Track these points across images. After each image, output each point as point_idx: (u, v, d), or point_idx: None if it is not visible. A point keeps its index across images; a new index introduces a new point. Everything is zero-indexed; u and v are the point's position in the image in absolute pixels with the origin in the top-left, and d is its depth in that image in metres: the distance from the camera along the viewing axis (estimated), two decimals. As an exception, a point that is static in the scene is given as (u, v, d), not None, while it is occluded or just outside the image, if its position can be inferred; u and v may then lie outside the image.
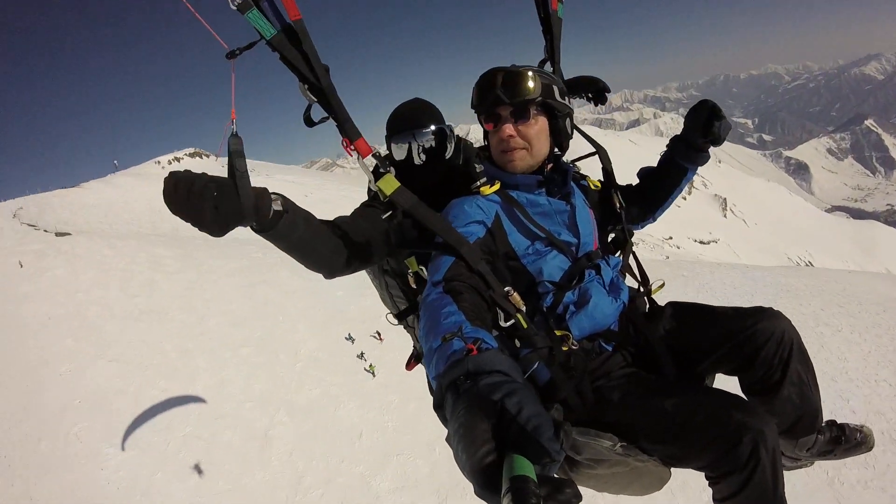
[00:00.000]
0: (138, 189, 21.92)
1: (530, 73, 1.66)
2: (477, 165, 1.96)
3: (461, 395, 0.93)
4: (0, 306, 8.94)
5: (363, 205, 1.97)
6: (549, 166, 1.80)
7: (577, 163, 2.20)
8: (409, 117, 2.13)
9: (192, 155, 41.36)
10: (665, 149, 2.09)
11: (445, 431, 0.93)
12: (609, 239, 2.07)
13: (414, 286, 2.09)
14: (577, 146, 1.98)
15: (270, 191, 1.42)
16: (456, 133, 2.24)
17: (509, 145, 1.70)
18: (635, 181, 2.23)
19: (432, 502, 5.42)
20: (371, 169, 1.63)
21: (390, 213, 1.67)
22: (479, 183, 1.78)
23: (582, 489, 1.47)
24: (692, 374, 1.73)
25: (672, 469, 1.59)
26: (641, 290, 1.92)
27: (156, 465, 5.76)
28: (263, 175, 33.14)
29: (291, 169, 46.14)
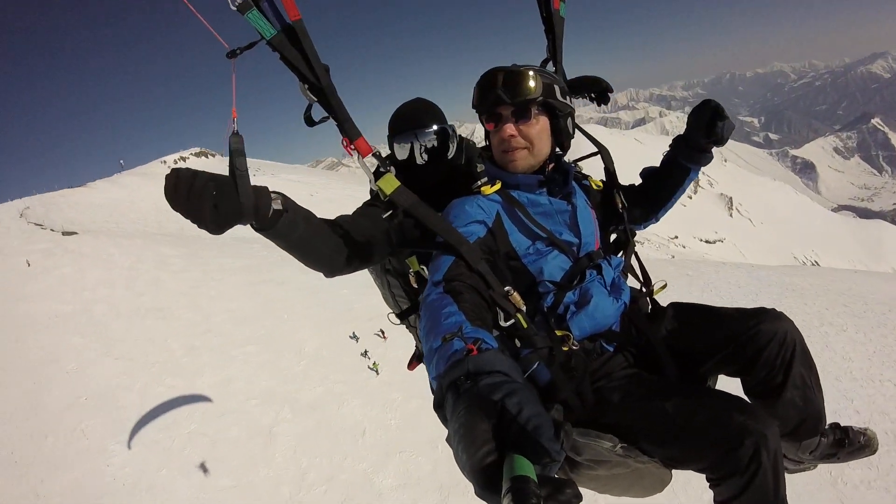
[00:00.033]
0: (144, 188, 21.99)
1: (531, 73, 1.68)
2: (478, 165, 1.96)
3: (461, 396, 0.94)
4: (7, 304, 9.01)
5: (365, 204, 2.00)
6: (551, 166, 1.81)
7: (579, 163, 2.22)
8: (412, 117, 2.16)
9: (197, 154, 41.48)
10: (668, 149, 2.07)
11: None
12: (611, 239, 2.07)
13: (415, 286, 2.11)
14: (580, 146, 1.99)
15: (271, 189, 1.45)
16: (458, 133, 2.27)
17: (510, 145, 1.72)
18: (639, 181, 2.23)
19: (434, 499, 5.41)
20: (371, 168, 1.66)
21: (391, 212, 1.66)
22: (479, 183, 1.79)
23: (582, 491, 1.49)
24: (694, 375, 1.75)
25: (674, 471, 1.60)
26: (643, 290, 1.92)
27: (161, 461, 5.79)
28: (269, 174, 33.15)
29: (296, 168, 46.18)
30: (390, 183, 1.58)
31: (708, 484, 1.43)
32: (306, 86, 1.57)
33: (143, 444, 6.07)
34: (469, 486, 0.82)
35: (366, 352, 8.09)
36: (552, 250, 1.73)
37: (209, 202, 1.24)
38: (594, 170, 2.21)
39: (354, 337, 8.47)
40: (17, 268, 10.21)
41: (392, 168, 1.67)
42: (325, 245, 1.66)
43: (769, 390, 1.63)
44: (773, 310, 1.66)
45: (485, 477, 0.79)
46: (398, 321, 2.32)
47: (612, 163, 2.08)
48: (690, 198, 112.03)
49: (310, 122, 1.65)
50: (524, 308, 1.50)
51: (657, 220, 2.28)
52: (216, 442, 6.19)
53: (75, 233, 12.78)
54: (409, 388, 7.08)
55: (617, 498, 1.93)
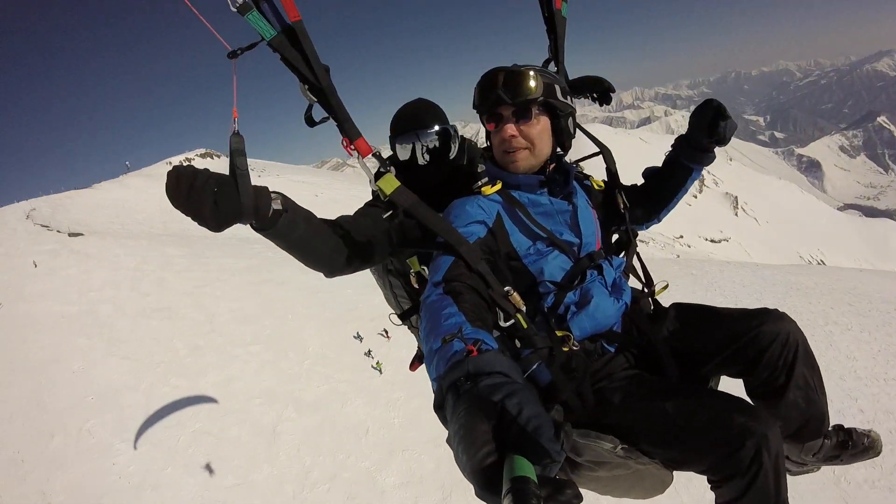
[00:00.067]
0: (149, 190, 22.05)
1: (531, 73, 1.66)
2: (479, 165, 1.94)
3: (461, 397, 0.94)
4: (14, 305, 9.08)
5: (366, 204, 2.00)
6: (552, 166, 1.80)
7: (581, 163, 2.20)
8: (413, 118, 2.14)
9: (202, 156, 41.62)
10: (670, 149, 2.05)
11: None
12: (613, 239, 2.05)
13: (416, 286, 2.10)
14: (583, 146, 1.98)
15: (271, 190, 1.46)
16: (460, 133, 2.26)
17: (511, 145, 1.70)
18: (642, 181, 2.24)
19: (437, 497, 5.42)
20: (372, 169, 1.66)
21: (391, 212, 1.66)
22: (480, 183, 1.79)
23: (584, 492, 1.48)
24: (696, 376, 1.72)
25: (675, 472, 1.56)
26: (645, 291, 1.90)
27: (166, 459, 5.83)
28: (274, 175, 33.22)
29: (301, 169, 46.26)
30: (390, 183, 1.57)
31: (709, 486, 1.41)
32: (306, 86, 1.57)
33: (148, 443, 6.11)
34: (470, 485, 0.83)
35: (369, 351, 8.10)
36: (553, 250, 1.71)
37: (209, 200, 1.25)
38: (596, 170, 2.20)
39: (358, 337, 8.49)
40: (24, 268, 10.29)
41: (392, 168, 1.67)
42: (325, 245, 1.66)
43: (772, 391, 1.61)
44: (776, 310, 1.63)
45: (485, 478, 0.79)
46: (399, 322, 2.31)
47: (614, 163, 2.07)
48: (696, 197, 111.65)
49: (310, 122, 1.65)
50: (524, 308, 1.48)
51: (659, 221, 2.24)
52: (220, 441, 6.22)
53: (81, 234, 12.86)
54: (413, 387, 7.09)
55: (618, 499, 1.91)
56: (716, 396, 1.46)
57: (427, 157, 2.08)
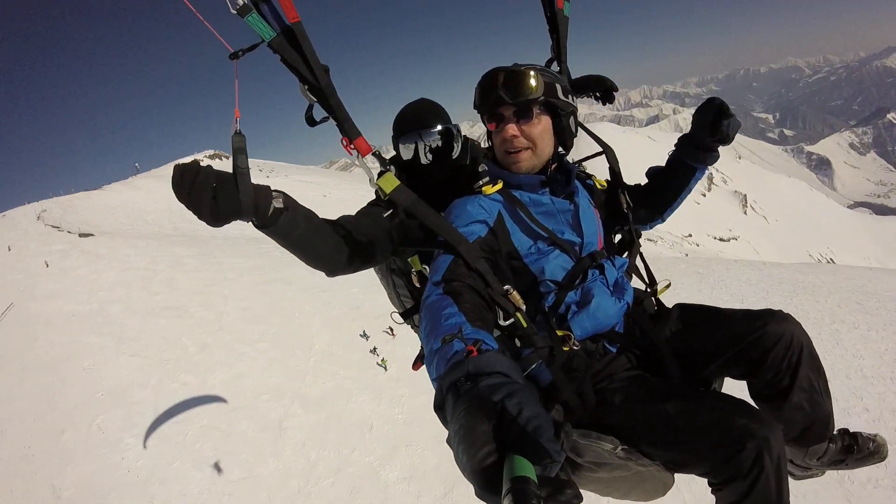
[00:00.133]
0: (159, 191, 22.13)
1: (532, 73, 1.65)
2: (481, 165, 1.93)
3: (461, 397, 0.93)
4: (26, 305, 9.19)
5: (369, 204, 2.02)
6: (554, 166, 1.82)
7: (584, 162, 2.20)
8: (416, 117, 2.16)
9: (211, 157, 41.74)
10: (673, 148, 2.03)
11: None
12: (616, 239, 2.04)
13: (417, 285, 2.12)
14: (588, 145, 2.00)
15: (274, 188, 1.49)
16: (463, 133, 2.27)
17: (513, 145, 1.70)
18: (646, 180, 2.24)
19: (439, 492, 5.45)
20: (372, 168, 1.68)
21: (391, 211, 1.69)
22: (481, 182, 1.81)
23: (584, 493, 1.50)
24: (698, 377, 1.69)
25: (677, 474, 1.54)
26: (648, 290, 1.89)
27: (174, 454, 5.89)
28: (282, 176, 33.22)
29: (310, 169, 46.25)
30: (390, 182, 1.56)
31: (710, 489, 1.41)
32: (306, 86, 1.59)
33: (156, 439, 6.19)
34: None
35: (374, 349, 8.14)
36: (554, 250, 1.70)
37: (208, 196, 1.30)
38: (601, 169, 2.21)
39: (364, 335, 8.52)
40: (36, 269, 10.40)
41: (392, 167, 1.68)
42: (326, 244, 1.68)
43: (776, 393, 1.60)
44: (780, 311, 1.63)
45: (485, 478, 0.78)
46: (402, 320, 2.33)
47: (617, 162, 2.05)
48: (704, 195, 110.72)
49: (311, 122, 1.66)
50: (524, 307, 1.47)
51: (663, 221, 2.23)
52: (228, 436, 6.29)
53: (92, 234, 12.96)
54: (417, 384, 7.12)
55: (619, 501, 1.89)
56: (717, 398, 1.47)
57: (430, 156, 2.09)
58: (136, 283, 10.08)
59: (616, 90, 2.16)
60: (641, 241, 2.07)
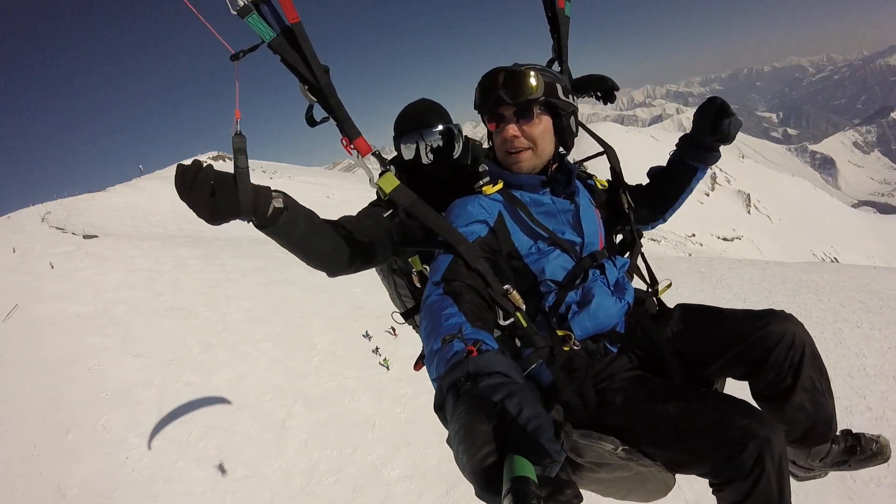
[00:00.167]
0: (163, 192, 22.17)
1: (532, 73, 1.69)
2: (482, 165, 1.97)
3: (461, 397, 0.94)
4: (30, 306, 9.22)
5: (370, 204, 2.04)
6: (554, 166, 1.84)
7: (585, 162, 2.21)
8: (417, 118, 2.19)
9: (214, 158, 41.80)
10: (674, 148, 2.05)
11: None
12: (617, 239, 2.08)
13: (418, 285, 2.14)
14: (590, 145, 2.00)
15: (274, 189, 1.51)
16: (465, 134, 2.29)
17: (514, 146, 1.74)
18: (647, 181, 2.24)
19: (440, 491, 5.46)
20: (371, 168, 1.70)
21: (391, 211, 1.72)
22: (481, 182, 1.82)
23: (585, 493, 1.50)
24: (700, 378, 1.71)
25: (678, 474, 1.55)
26: (649, 291, 1.92)
27: (178, 453, 5.92)
28: (286, 177, 33.23)
29: (313, 171, 46.26)
30: (390, 182, 1.59)
31: (711, 489, 1.42)
32: (306, 87, 1.61)
33: (161, 438, 6.20)
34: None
35: (376, 348, 8.16)
36: (554, 249, 1.73)
37: (205, 195, 1.33)
38: (600, 170, 2.21)
39: (367, 336, 8.54)
40: (40, 270, 10.43)
41: (392, 167, 1.70)
42: (326, 244, 1.69)
43: (778, 394, 1.61)
44: (782, 311, 1.63)
45: (485, 478, 0.79)
46: (403, 320, 2.35)
47: (618, 162, 2.07)
48: (708, 195, 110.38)
49: (311, 122, 1.68)
50: (523, 307, 1.49)
51: (665, 221, 2.26)
52: (231, 435, 6.30)
53: (96, 236, 12.99)
54: (419, 384, 7.13)
55: (620, 501, 1.90)
56: (718, 398, 1.49)
57: (431, 156, 2.11)
58: (141, 284, 10.12)
59: (617, 89, 2.18)
60: (644, 241, 2.08)
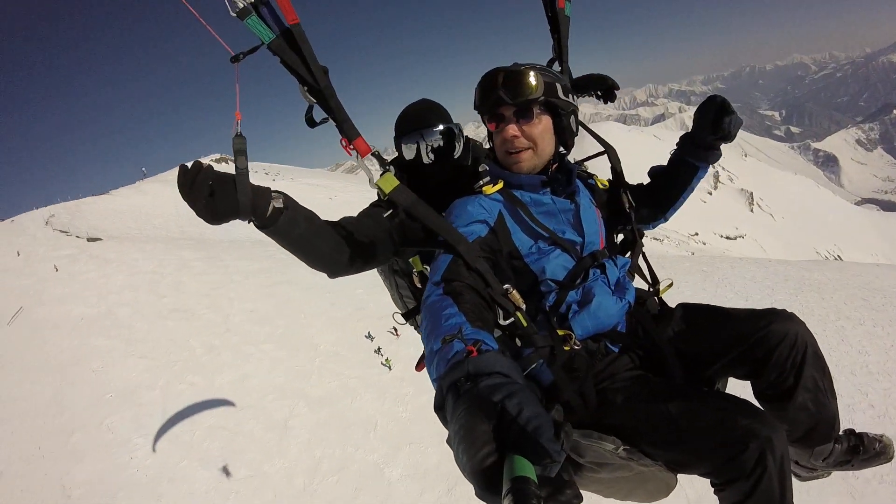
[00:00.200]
0: (166, 195, 22.15)
1: (532, 73, 1.69)
2: (482, 165, 1.97)
3: (461, 397, 0.94)
4: (34, 309, 9.26)
5: (371, 205, 2.05)
6: (555, 166, 1.84)
7: (586, 162, 2.21)
8: (417, 118, 2.20)
9: (217, 160, 41.82)
10: (675, 147, 2.05)
11: None
12: (618, 239, 2.08)
13: (419, 286, 2.15)
14: (591, 144, 2.00)
15: (273, 189, 1.52)
16: (466, 134, 2.30)
17: (514, 146, 1.74)
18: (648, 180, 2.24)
19: (441, 489, 5.49)
20: (371, 168, 1.70)
21: (391, 211, 1.72)
22: (481, 182, 1.83)
23: (586, 494, 1.49)
24: (702, 378, 1.71)
25: (679, 474, 1.54)
26: (651, 290, 1.93)
27: (182, 453, 5.95)
28: (288, 179, 33.16)
29: (315, 172, 46.25)
30: (389, 182, 1.59)
31: (712, 489, 1.41)
32: (305, 88, 1.62)
33: (164, 438, 6.24)
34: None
35: (379, 349, 8.17)
36: (555, 249, 1.73)
37: (204, 195, 1.36)
38: (601, 169, 2.21)
39: (370, 336, 8.56)
40: (44, 273, 10.47)
41: (391, 167, 1.70)
42: (326, 244, 1.70)
43: (780, 394, 1.60)
44: (784, 311, 1.62)
45: (485, 478, 0.79)
46: (404, 321, 2.36)
47: (619, 162, 2.07)
48: (710, 193, 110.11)
49: (311, 123, 1.69)
50: (523, 306, 1.49)
51: (666, 220, 2.25)
52: (234, 435, 6.34)
53: (100, 239, 13.00)
54: (421, 384, 7.13)
55: (622, 501, 1.88)
56: (720, 398, 1.49)
57: (432, 156, 2.12)
58: (144, 286, 10.15)
59: (617, 88, 2.18)
60: (646, 240, 2.08)
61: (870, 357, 7.69)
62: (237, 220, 1.49)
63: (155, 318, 9.09)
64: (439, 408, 1.05)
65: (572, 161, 1.97)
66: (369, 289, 9.63)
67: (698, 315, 1.80)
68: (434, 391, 1.10)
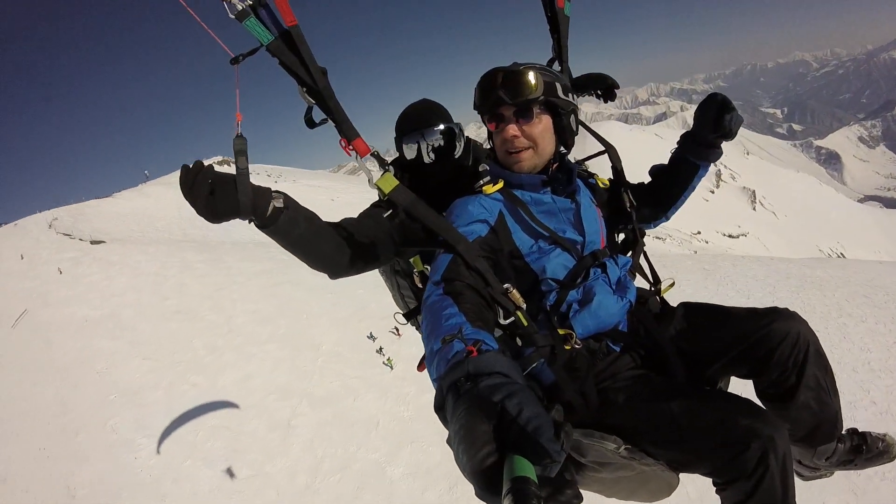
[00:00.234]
0: (168, 197, 22.15)
1: (531, 72, 1.70)
2: (482, 165, 1.98)
3: (461, 397, 0.94)
4: (39, 311, 9.31)
5: (371, 205, 2.06)
6: (555, 165, 1.84)
7: (587, 161, 2.22)
8: (418, 117, 2.20)
9: (220, 163, 41.89)
10: (676, 146, 2.05)
11: None
12: (619, 238, 2.09)
13: (420, 286, 2.16)
14: (593, 144, 1.99)
15: (274, 189, 1.54)
16: (466, 134, 2.30)
17: (514, 146, 1.75)
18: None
19: (443, 488, 5.50)
20: (371, 168, 1.71)
21: (391, 211, 1.73)
22: (482, 182, 1.83)
23: (589, 494, 1.48)
24: (704, 377, 1.70)
25: (681, 474, 1.54)
26: (652, 290, 1.93)
27: (185, 453, 5.98)
28: (290, 181, 33.16)
29: (318, 174, 46.27)
30: (389, 182, 1.60)
31: (714, 488, 1.41)
32: (304, 89, 1.63)
33: (168, 439, 6.27)
34: (472, 482, 0.84)
35: (380, 348, 8.19)
36: (555, 248, 1.73)
37: (204, 194, 1.38)
38: (602, 169, 2.21)
39: (372, 337, 8.57)
40: (48, 276, 10.53)
41: (391, 167, 1.71)
42: (327, 244, 1.71)
43: (782, 392, 1.60)
44: (786, 309, 1.62)
45: (485, 478, 0.79)
46: (405, 321, 2.36)
47: (620, 161, 2.07)
48: (713, 192, 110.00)
49: (310, 124, 1.70)
50: (524, 305, 1.48)
51: (667, 219, 2.24)
52: (237, 435, 6.36)
53: (103, 241, 13.05)
54: (422, 383, 7.14)
55: (624, 501, 1.88)
56: (721, 398, 1.49)
57: (432, 155, 2.12)
58: (148, 288, 10.19)
59: (617, 87, 2.18)
60: (648, 239, 2.08)
61: (872, 354, 7.65)
62: (239, 221, 1.50)
63: (158, 319, 9.13)
64: (439, 408, 1.05)
65: (573, 160, 1.97)
66: (371, 289, 9.63)
67: (700, 314, 1.79)
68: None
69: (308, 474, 5.82)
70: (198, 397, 7.03)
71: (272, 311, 9.57)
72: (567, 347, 1.59)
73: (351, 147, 1.65)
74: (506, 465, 0.78)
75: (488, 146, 1.99)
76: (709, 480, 1.41)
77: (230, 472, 5.82)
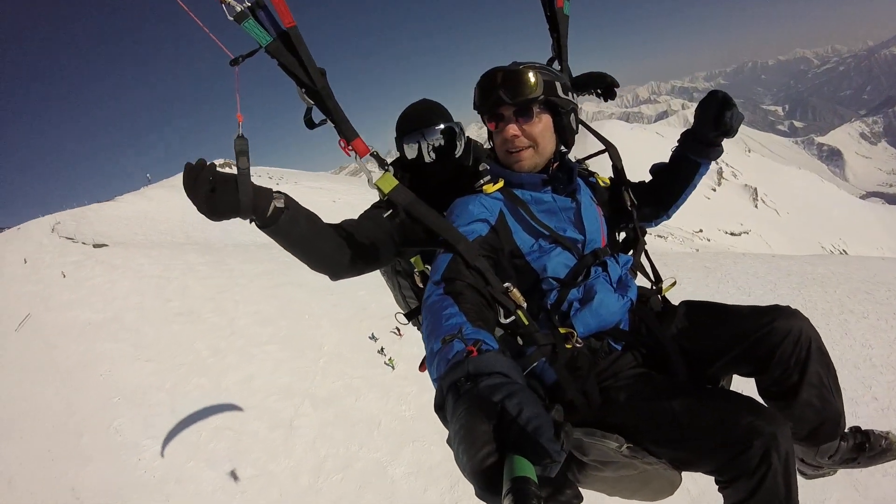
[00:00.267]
0: (171, 200, 22.21)
1: (531, 71, 1.68)
2: (482, 164, 1.96)
3: (461, 397, 0.93)
4: (42, 314, 9.36)
5: (371, 206, 2.05)
6: (555, 164, 1.83)
7: (587, 160, 2.21)
8: (418, 117, 2.19)
9: (222, 165, 41.89)
10: (676, 144, 2.03)
11: None
12: (620, 237, 2.06)
13: (421, 286, 2.15)
14: (594, 143, 1.99)
15: (275, 190, 1.54)
16: (468, 134, 2.29)
17: (514, 145, 1.73)
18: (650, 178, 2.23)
19: (444, 486, 5.52)
20: (371, 168, 1.71)
21: (391, 211, 1.73)
22: (482, 182, 1.83)
23: (591, 493, 1.48)
24: (706, 375, 1.68)
25: (684, 472, 1.52)
26: (653, 288, 1.91)
27: (189, 454, 6.01)
28: (291, 182, 33.21)
29: (319, 175, 46.29)
30: (388, 182, 1.59)
31: (717, 486, 1.39)
32: (303, 89, 1.63)
33: (172, 440, 6.31)
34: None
35: (382, 348, 8.21)
36: (556, 247, 1.72)
37: (204, 192, 1.39)
38: (603, 168, 2.21)
39: (373, 337, 8.58)
40: (51, 279, 10.58)
41: (391, 167, 1.71)
42: (327, 245, 1.71)
43: (785, 391, 1.57)
44: (788, 307, 1.60)
45: (485, 478, 0.79)
46: (406, 321, 2.36)
47: (620, 160, 2.05)
48: (714, 190, 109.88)
49: (310, 124, 1.68)
50: (524, 304, 1.47)
51: (669, 217, 2.22)
52: (240, 435, 6.40)
53: (106, 245, 13.10)
54: (424, 382, 7.13)
55: (626, 500, 1.87)
56: (723, 396, 1.47)
57: (433, 155, 2.12)
58: (151, 290, 10.23)
59: (617, 86, 2.17)
60: (650, 237, 2.06)
61: (873, 350, 7.64)
62: (240, 223, 1.51)
63: (161, 321, 9.17)
64: (440, 408, 1.03)
65: (573, 159, 1.96)
66: (372, 289, 9.65)
67: (701, 312, 1.76)
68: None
69: (311, 474, 5.85)
70: (200, 399, 7.07)
71: (274, 312, 9.60)
72: (568, 346, 1.56)
73: (350, 147, 1.65)
74: (506, 465, 0.77)
75: (489, 146, 1.99)
76: (711, 479, 1.41)
77: (233, 473, 5.86)
